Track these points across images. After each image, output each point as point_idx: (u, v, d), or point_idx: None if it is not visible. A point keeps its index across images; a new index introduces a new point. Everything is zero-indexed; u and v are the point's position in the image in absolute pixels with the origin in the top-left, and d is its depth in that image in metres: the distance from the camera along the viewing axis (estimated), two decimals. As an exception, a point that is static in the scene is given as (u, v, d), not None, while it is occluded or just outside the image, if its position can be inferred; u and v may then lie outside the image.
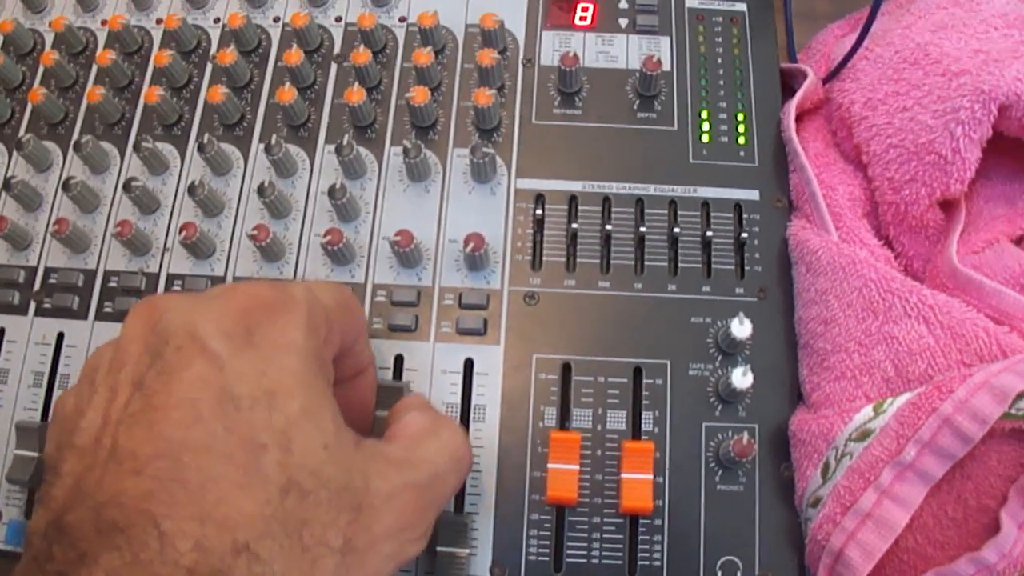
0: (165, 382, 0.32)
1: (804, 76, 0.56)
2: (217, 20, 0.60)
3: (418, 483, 0.37)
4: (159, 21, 0.60)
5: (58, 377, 0.51)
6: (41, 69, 0.60)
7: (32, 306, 0.53)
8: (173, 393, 0.32)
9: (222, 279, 0.52)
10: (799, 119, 0.56)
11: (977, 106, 0.46)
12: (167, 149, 0.56)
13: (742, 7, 0.59)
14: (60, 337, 0.52)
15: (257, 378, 0.33)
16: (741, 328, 0.47)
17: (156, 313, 0.35)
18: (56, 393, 0.51)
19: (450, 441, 0.40)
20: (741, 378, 0.46)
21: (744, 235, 0.52)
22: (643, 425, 0.48)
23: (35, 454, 0.49)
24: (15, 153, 0.56)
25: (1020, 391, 0.40)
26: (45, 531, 0.31)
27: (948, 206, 0.51)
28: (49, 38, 0.61)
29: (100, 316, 0.53)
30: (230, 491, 0.31)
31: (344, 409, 0.37)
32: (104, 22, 0.61)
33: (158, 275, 0.53)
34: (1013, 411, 0.40)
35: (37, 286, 0.54)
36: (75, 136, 0.57)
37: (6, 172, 0.57)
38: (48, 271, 0.54)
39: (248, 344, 0.34)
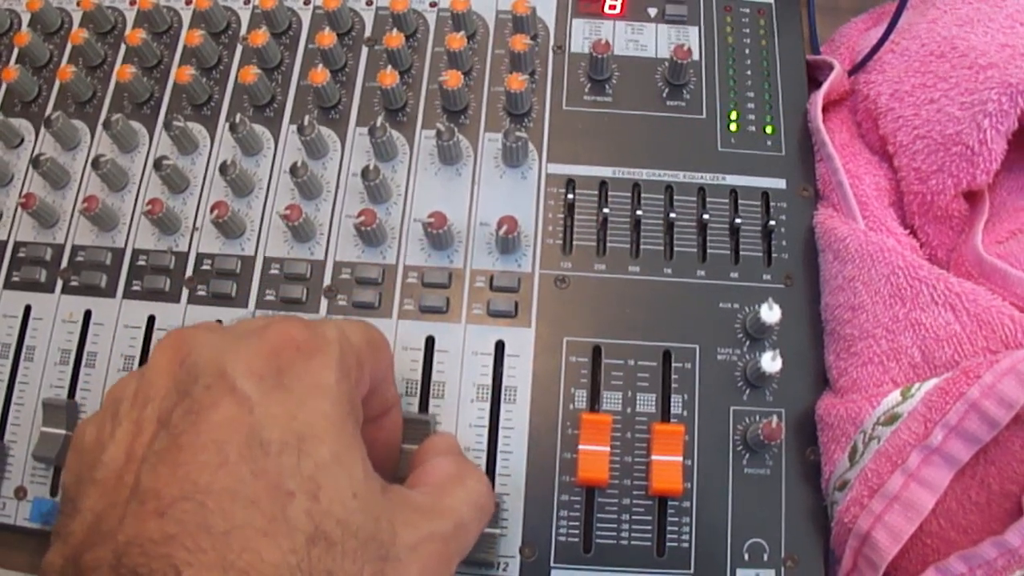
0: (192, 421, 0.31)
1: (830, 68, 0.56)
2: (247, 1, 0.60)
3: (444, 534, 0.36)
4: (188, 2, 0.60)
5: (85, 355, 0.52)
6: (69, 48, 0.60)
7: (59, 284, 0.53)
8: (200, 433, 0.31)
9: (252, 259, 0.53)
10: (824, 110, 0.56)
11: (1004, 99, 0.47)
12: (197, 129, 0.56)
13: None
14: (87, 315, 0.52)
15: (287, 421, 0.32)
16: (771, 313, 0.48)
17: (185, 348, 0.34)
18: (83, 371, 0.51)
19: (475, 490, 0.40)
20: (771, 362, 0.47)
21: (771, 223, 0.52)
22: (672, 408, 0.49)
23: (62, 431, 0.49)
24: (43, 131, 0.57)
25: None
26: (62, 568, 0.30)
27: (972, 197, 0.52)
28: (77, 17, 0.61)
29: (128, 295, 0.53)
30: (255, 539, 0.29)
31: (369, 449, 0.36)
32: (133, 2, 0.61)
33: (187, 254, 0.53)
34: None
35: (64, 264, 0.54)
36: (103, 115, 0.57)
37: (33, 150, 0.57)
38: (76, 249, 0.54)
39: (278, 386, 0.33)
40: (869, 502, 0.44)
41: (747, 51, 0.58)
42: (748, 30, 0.58)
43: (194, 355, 0.34)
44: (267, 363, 0.34)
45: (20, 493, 0.50)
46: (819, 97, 0.55)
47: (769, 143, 0.55)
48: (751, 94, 0.56)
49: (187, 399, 0.32)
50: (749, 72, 0.57)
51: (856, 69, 0.57)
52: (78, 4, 0.61)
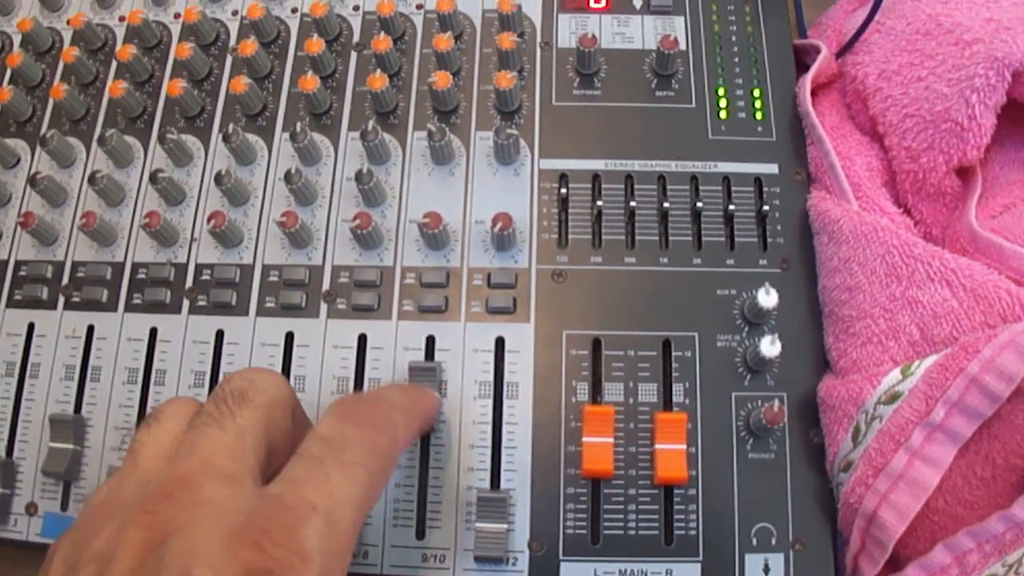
0: None
1: (817, 51, 0.57)
2: (235, 12, 0.61)
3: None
4: (177, 15, 0.61)
5: (89, 370, 0.52)
6: (61, 66, 0.60)
7: (61, 300, 0.54)
8: None
9: (251, 267, 0.53)
10: (813, 94, 0.56)
11: (991, 73, 0.47)
12: (190, 141, 0.57)
13: None
14: (90, 330, 0.53)
15: None
16: (768, 298, 0.48)
17: (162, 528, 0.32)
18: (88, 386, 0.51)
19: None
20: (770, 347, 0.47)
21: (765, 208, 0.52)
22: (674, 397, 0.49)
23: (69, 446, 0.50)
24: (39, 150, 0.57)
25: None
26: None
27: (965, 173, 0.52)
28: (68, 35, 0.61)
29: (129, 308, 0.53)
30: None
31: None
32: (122, 18, 0.61)
33: (186, 265, 0.53)
34: None
35: (65, 280, 0.54)
36: (97, 131, 0.58)
37: (30, 169, 0.57)
38: (76, 265, 0.54)
39: None
40: (874, 482, 0.44)
41: (734, 38, 0.58)
42: (734, 17, 0.59)
43: (170, 544, 0.31)
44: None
45: (31, 509, 0.50)
46: (807, 81, 0.55)
47: (760, 129, 0.55)
48: (739, 81, 0.57)
49: None
50: (736, 59, 0.57)
51: (843, 51, 0.57)
52: (68, 23, 0.61)
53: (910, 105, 0.51)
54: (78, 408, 0.51)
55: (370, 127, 0.53)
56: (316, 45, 0.55)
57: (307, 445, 0.36)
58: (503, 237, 0.50)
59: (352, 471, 0.35)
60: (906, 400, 0.43)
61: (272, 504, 0.33)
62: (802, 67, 0.58)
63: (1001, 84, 0.47)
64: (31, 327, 0.53)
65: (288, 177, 0.52)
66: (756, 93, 0.56)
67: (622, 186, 0.54)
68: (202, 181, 0.56)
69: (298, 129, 0.53)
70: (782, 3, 0.59)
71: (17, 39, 0.62)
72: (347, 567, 0.34)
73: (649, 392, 0.49)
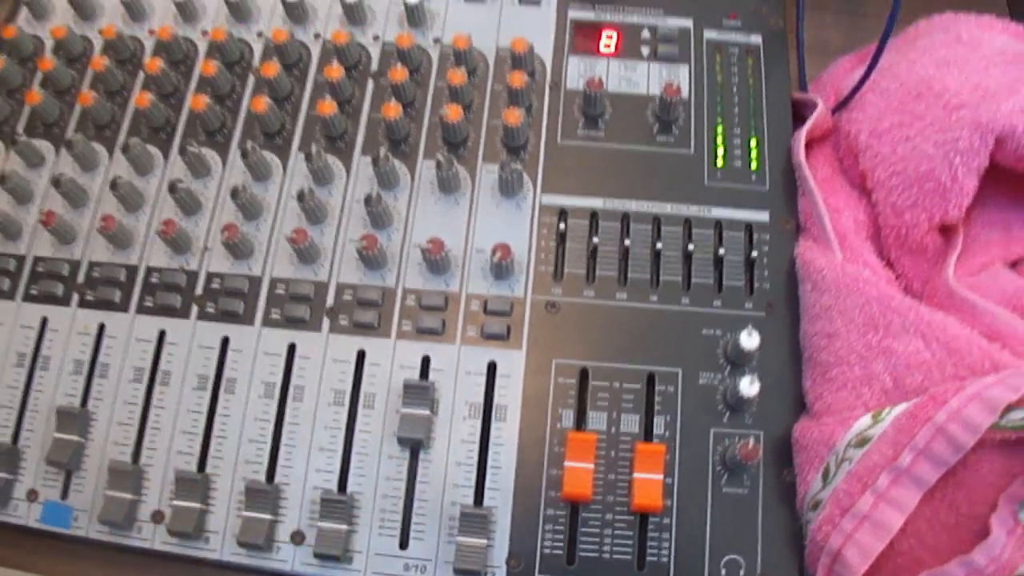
0: None
1: (815, 106, 0.59)
2: (260, 34, 0.63)
3: None
4: (204, 33, 0.64)
5: (98, 366, 0.54)
6: (90, 73, 0.63)
7: (75, 298, 0.56)
8: None
9: (259, 279, 0.55)
10: (809, 146, 0.59)
11: (975, 137, 0.50)
12: (210, 154, 0.59)
13: (757, 40, 0.62)
14: (101, 328, 0.55)
15: None
16: (750, 340, 0.50)
17: None
18: (95, 381, 0.54)
19: None
20: (748, 387, 0.49)
21: (754, 253, 0.54)
22: (655, 429, 0.51)
23: (74, 437, 0.52)
24: (63, 151, 0.60)
25: (1009, 403, 0.42)
26: None
27: (947, 230, 0.54)
28: (98, 44, 0.64)
29: (141, 310, 0.55)
30: None
31: None
32: (152, 31, 0.64)
33: (198, 273, 0.56)
34: (1003, 422, 0.42)
35: (81, 279, 0.56)
36: (121, 139, 0.60)
37: (54, 170, 0.60)
38: (92, 265, 0.57)
39: None
40: (840, 521, 0.45)
41: (735, 89, 0.60)
42: (736, 69, 0.61)
43: None
44: None
45: (32, 495, 0.52)
46: (802, 134, 0.57)
47: (754, 178, 0.57)
48: (738, 131, 0.59)
49: None
50: (736, 109, 0.60)
51: (840, 107, 0.59)
52: (100, 32, 0.64)
53: (897, 163, 0.53)
54: (84, 402, 0.53)
55: (382, 153, 0.55)
56: (336, 71, 0.58)
57: None
58: (502, 266, 0.53)
59: None
60: (875, 445, 0.45)
61: None
62: (800, 120, 0.60)
63: (984, 148, 0.50)
64: (44, 321, 0.56)
65: (301, 196, 0.54)
66: (753, 143, 0.58)
67: (618, 224, 0.56)
68: (218, 193, 0.58)
69: (313, 151, 0.56)
70: (783, 59, 0.62)
71: (50, 44, 0.64)
72: None
73: (631, 423, 0.51)
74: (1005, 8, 0.74)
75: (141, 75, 0.62)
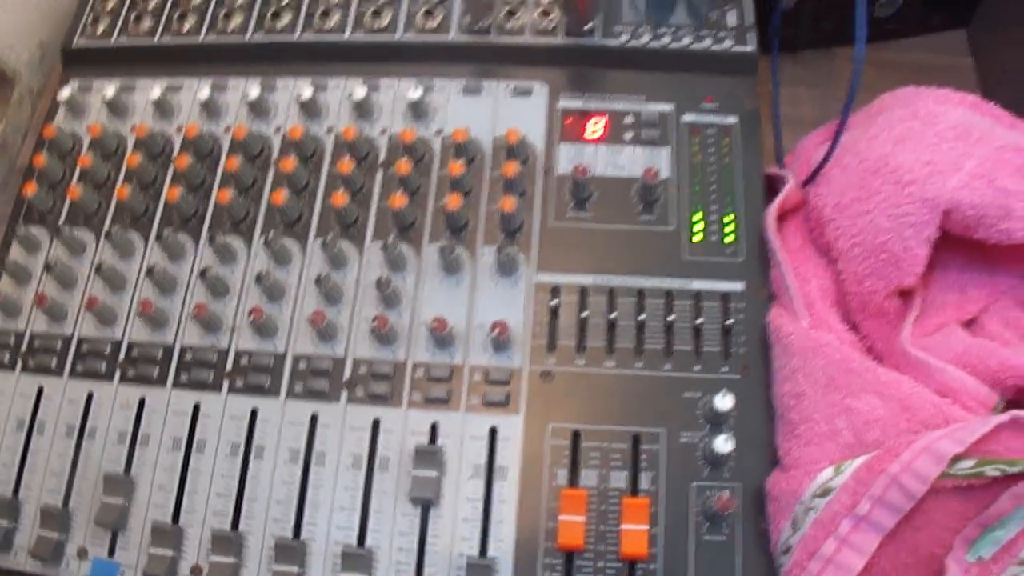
0: None
1: (786, 180, 0.63)
2: (278, 129, 0.69)
3: None
4: (227, 129, 0.69)
5: (140, 436, 0.60)
6: (125, 168, 0.69)
7: (117, 374, 0.62)
8: None
9: (283, 356, 0.61)
10: (784, 216, 0.63)
11: (924, 210, 0.54)
12: (235, 242, 0.65)
13: (734, 120, 0.67)
14: (141, 402, 0.61)
15: None
16: (723, 401, 0.55)
17: None
18: (138, 450, 0.59)
19: None
20: (724, 444, 0.54)
21: (730, 320, 0.59)
22: (641, 484, 0.55)
23: (120, 500, 0.57)
24: (103, 241, 0.66)
25: (955, 454, 0.46)
26: None
27: (906, 294, 0.58)
28: (131, 141, 0.70)
29: (176, 385, 0.61)
30: None
31: None
32: (179, 128, 0.70)
33: (227, 351, 0.61)
34: (951, 471, 0.47)
35: (122, 357, 0.62)
36: (155, 228, 0.66)
37: (95, 258, 0.66)
38: (132, 344, 0.62)
39: None
40: (808, 564, 0.50)
41: (711, 168, 0.65)
42: (713, 149, 0.65)
43: None
44: None
45: (82, 554, 0.57)
46: (772, 210, 0.61)
47: (729, 251, 0.62)
48: (715, 207, 0.63)
49: None
50: (713, 187, 0.64)
51: (808, 182, 0.64)
52: (131, 129, 0.70)
53: (857, 235, 0.57)
54: (128, 468, 0.59)
55: (391, 240, 0.61)
56: (347, 166, 0.63)
57: None
58: (500, 340, 0.58)
59: None
60: (837, 494, 0.49)
61: None
62: (774, 192, 0.64)
63: (933, 221, 0.54)
64: (90, 396, 0.61)
65: (319, 280, 0.60)
66: (728, 219, 0.63)
67: (605, 298, 0.60)
68: (244, 278, 0.64)
69: (329, 239, 0.61)
70: (757, 137, 0.66)
71: (87, 141, 0.70)
72: None
73: (619, 479, 0.55)
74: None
75: (171, 169, 0.68)
